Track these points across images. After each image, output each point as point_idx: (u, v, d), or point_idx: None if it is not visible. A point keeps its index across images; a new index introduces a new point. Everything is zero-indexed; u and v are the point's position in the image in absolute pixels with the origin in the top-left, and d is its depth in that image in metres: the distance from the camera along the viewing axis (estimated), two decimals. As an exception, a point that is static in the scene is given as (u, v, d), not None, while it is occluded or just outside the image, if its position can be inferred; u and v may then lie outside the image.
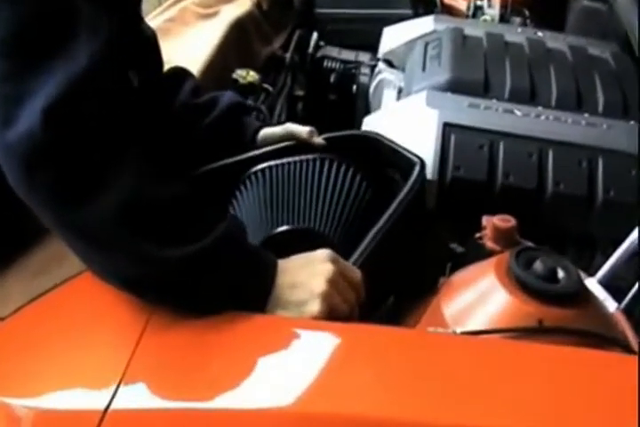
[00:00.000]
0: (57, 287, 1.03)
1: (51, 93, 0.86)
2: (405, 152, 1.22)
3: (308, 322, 0.97)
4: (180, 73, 1.37)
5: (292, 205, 1.17)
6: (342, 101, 1.90)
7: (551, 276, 1.02)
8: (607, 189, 1.37)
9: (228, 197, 1.22)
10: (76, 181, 0.88)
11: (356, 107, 1.82)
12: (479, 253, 1.23)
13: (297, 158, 1.23)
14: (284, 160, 1.24)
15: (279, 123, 1.48)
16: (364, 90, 1.80)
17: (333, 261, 1.01)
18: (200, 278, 0.94)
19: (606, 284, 1.21)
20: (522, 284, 1.01)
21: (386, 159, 1.26)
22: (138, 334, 0.94)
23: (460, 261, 1.23)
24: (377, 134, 1.28)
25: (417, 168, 1.18)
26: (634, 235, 1.22)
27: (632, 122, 1.48)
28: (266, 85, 1.67)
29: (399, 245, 1.14)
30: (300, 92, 1.91)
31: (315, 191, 1.18)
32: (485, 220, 1.25)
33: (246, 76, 1.57)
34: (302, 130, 1.29)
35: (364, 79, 1.82)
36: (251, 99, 1.58)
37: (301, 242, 1.09)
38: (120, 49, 0.95)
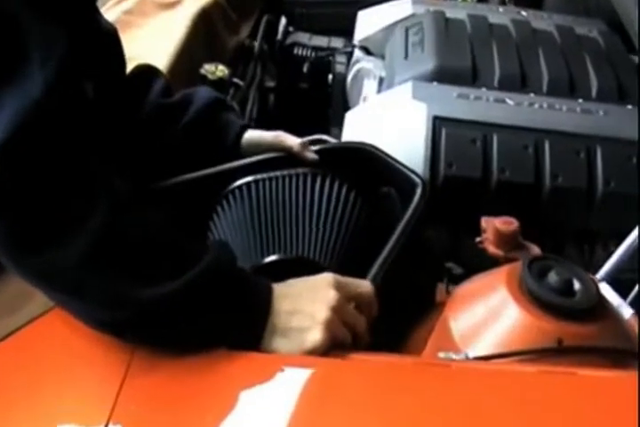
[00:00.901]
0: (26, 326, 0.93)
1: (1, 130, 0.75)
2: (405, 170, 1.13)
3: (298, 359, 0.88)
4: (148, 71, 1.25)
5: (280, 227, 1.07)
6: (316, 92, 1.80)
7: (567, 288, 0.94)
8: (607, 180, 1.30)
9: (207, 215, 1.11)
10: (37, 225, 0.78)
11: (332, 98, 1.71)
12: (481, 260, 1.15)
13: (285, 172, 1.13)
14: (271, 174, 1.13)
15: (258, 123, 1.38)
16: (340, 80, 1.70)
17: (337, 287, 0.92)
18: (184, 317, 0.85)
19: (611, 279, 1.14)
20: (536, 298, 0.93)
21: (381, 175, 1.16)
22: (121, 376, 0.85)
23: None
24: (372, 147, 1.18)
25: (419, 190, 1.08)
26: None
27: (629, 106, 1.39)
28: (236, 80, 1.56)
29: (402, 274, 1.05)
30: (271, 84, 1.80)
31: (306, 211, 1.08)
32: (485, 221, 1.17)
33: (215, 71, 1.47)
34: (294, 142, 1.18)
35: (340, 68, 1.72)
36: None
37: (293, 272, 1.00)
38: (77, 58, 0.84)
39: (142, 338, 0.86)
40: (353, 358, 0.89)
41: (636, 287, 1.12)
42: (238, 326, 0.88)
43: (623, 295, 1.10)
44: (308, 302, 0.90)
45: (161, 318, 0.84)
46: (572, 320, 0.91)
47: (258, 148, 1.20)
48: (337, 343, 0.90)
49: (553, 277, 0.94)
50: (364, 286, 0.96)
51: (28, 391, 0.87)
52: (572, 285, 0.94)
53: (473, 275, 1.19)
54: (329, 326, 0.89)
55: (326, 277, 0.93)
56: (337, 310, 0.90)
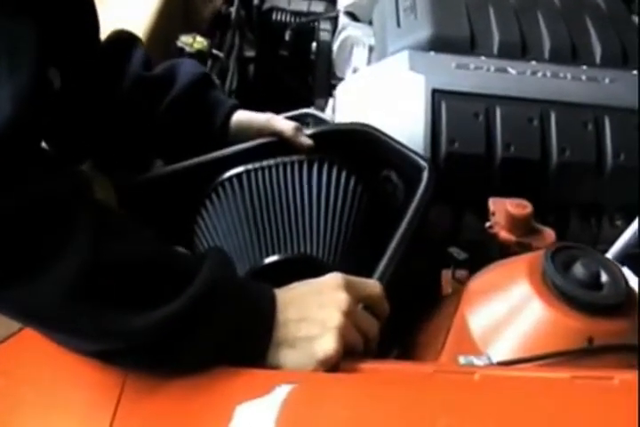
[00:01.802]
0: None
1: None
2: (409, 152, 1.04)
3: (302, 375, 0.80)
4: (126, 39, 1.13)
5: (277, 222, 0.99)
6: (298, 61, 1.69)
7: (595, 281, 0.86)
8: (617, 152, 1.22)
9: (195, 210, 1.02)
10: (14, 259, 0.69)
11: (316, 67, 1.61)
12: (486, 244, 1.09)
13: (279, 160, 1.03)
14: (264, 163, 1.04)
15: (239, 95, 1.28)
16: (325, 48, 1.60)
17: (347, 288, 0.84)
18: (180, 342, 0.76)
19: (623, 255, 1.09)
20: (562, 293, 0.85)
21: (382, 158, 1.07)
22: (115, 399, 0.76)
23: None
24: (372, 128, 1.09)
25: (426, 174, 0.99)
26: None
27: (634, 72, 1.31)
28: (215, 51, 1.46)
29: (413, 265, 0.97)
30: (250, 53, 1.70)
31: (305, 203, 0.99)
32: (493, 204, 1.09)
33: (193, 42, 1.37)
34: (287, 125, 1.08)
35: (324, 36, 1.61)
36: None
37: (296, 272, 0.91)
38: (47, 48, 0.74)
39: (136, 365, 0.78)
40: (366, 370, 0.81)
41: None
42: (240, 342, 0.80)
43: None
44: (315, 308, 0.82)
45: (155, 345, 0.75)
46: (601, 316, 0.84)
47: (247, 131, 1.11)
48: (349, 350, 0.82)
49: (579, 269, 0.87)
50: (373, 285, 0.89)
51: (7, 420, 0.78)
52: (599, 277, 0.87)
53: (477, 260, 1.13)
54: (341, 331, 0.81)
55: (334, 279, 0.85)
56: (348, 314, 0.82)
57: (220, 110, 1.12)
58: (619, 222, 1.26)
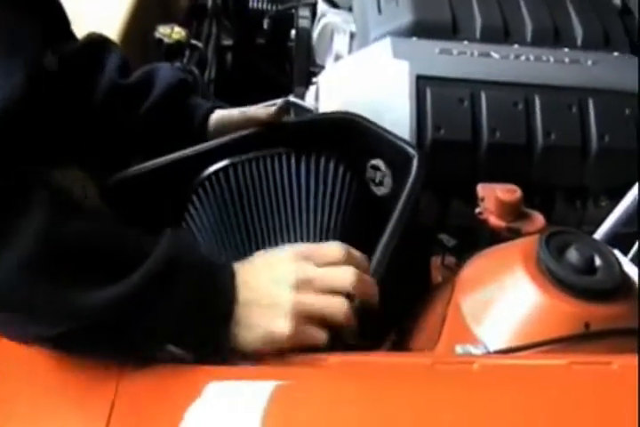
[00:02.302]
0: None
1: None
2: (397, 141, 1.02)
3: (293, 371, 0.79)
4: (100, 43, 1.11)
5: (267, 215, 0.97)
6: (277, 49, 1.68)
7: (589, 266, 0.86)
8: (601, 134, 1.22)
9: (180, 209, 1.00)
10: None
11: (296, 55, 1.59)
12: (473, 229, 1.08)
13: (266, 152, 1.02)
14: (250, 155, 1.02)
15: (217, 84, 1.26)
16: (304, 35, 1.58)
17: (303, 258, 0.82)
18: (137, 321, 0.76)
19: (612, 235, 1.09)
20: (557, 279, 0.85)
21: (370, 147, 1.06)
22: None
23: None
24: (358, 116, 1.07)
25: (415, 163, 0.98)
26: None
27: (615, 53, 1.31)
28: (194, 41, 1.44)
29: (407, 257, 0.96)
30: (227, 42, 1.68)
31: (294, 194, 0.98)
32: (482, 189, 1.08)
33: (171, 33, 1.35)
34: (265, 112, 1.07)
35: (303, 23, 1.59)
36: (179, 59, 1.34)
37: None
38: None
39: (93, 349, 0.78)
40: (363, 363, 0.80)
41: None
42: (199, 321, 0.79)
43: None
44: (268, 284, 0.80)
45: (111, 324, 0.74)
46: (597, 301, 0.84)
47: (226, 128, 1.09)
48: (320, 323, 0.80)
49: (573, 254, 0.87)
50: (332, 251, 0.84)
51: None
52: (593, 262, 0.87)
53: (466, 245, 1.13)
54: (295, 310, 0.79)
55: (287, 251, 0.83)
56: (302, 287, 0.80)
57: (197, 114, 1.11)
58: (604, 204, 1.26)
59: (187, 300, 0.78)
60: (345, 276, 0.82)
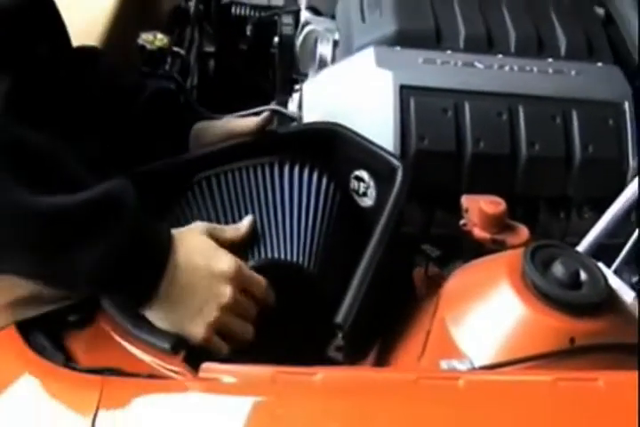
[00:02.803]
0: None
1: None
2: (382, 152, 1.02)
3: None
4: (92, 52, 1.12)
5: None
6: (260, 56, 1.66)
7: (574, 280, 0.86)
8: (585, 144, 1.22)
9: (166, 214, 0.99)
10: None
11: (279, 63, 1.58)
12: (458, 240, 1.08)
13: (249, 162, 1.01)
14: (234, 165, 1.01)
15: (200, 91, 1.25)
16: (287, 43, 1.57)
17: (236, 279, 0.88)
18: (68, 246, 0.79)
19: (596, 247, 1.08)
20: (542, 293, 0.85)
21: (354, 158, 1.05)
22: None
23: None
24: (343, 127, 1.07)
25: (400, 174, 0.98)
26: (628, 193, 1.09)
27: (599, 64, 1.31)
28: (177, 49, 1.42)
29: (391, 269, 0.95)
30: (210, 48, 1.66)
31: (277, 205, 0.97)
32: (466, 201, 1.08)
33: (154, 40, 1.33)
34: (248, 124, 1.06)
35: (287, 30, 1.58)
36: (161, 66, 1.33)
37: (274, 278, 0.89)
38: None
39: (22, 262, 0.80)
40: (348, 378, 0.79)
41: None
42: (131, 266, 0.83)
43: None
44: (202, 291, 0.87)
45: (45, 238, 0.78)
46: (582, 316, 0.84)
47: (208, 138, 1.09)
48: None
49: (558, 268, 0.87)
50: (259, 282, 0.91)
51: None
52: (578, 276, 0.86)
53: (450, 256, 1.13)
54: (216, 324, 0.87)
55: (226, 268, 0.88)
56: (228, 309, 0.88)
57: (179, 124, 1.12)
58: (587, 215, 1.26)
59: (118, 241, 0.81)
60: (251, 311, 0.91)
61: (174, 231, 0.88)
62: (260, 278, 0.91)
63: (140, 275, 0.85)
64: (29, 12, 0.87)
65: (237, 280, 0.88)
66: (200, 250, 0.88)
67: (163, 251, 0.86)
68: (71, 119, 0.96)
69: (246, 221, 0.95)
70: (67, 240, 0.79)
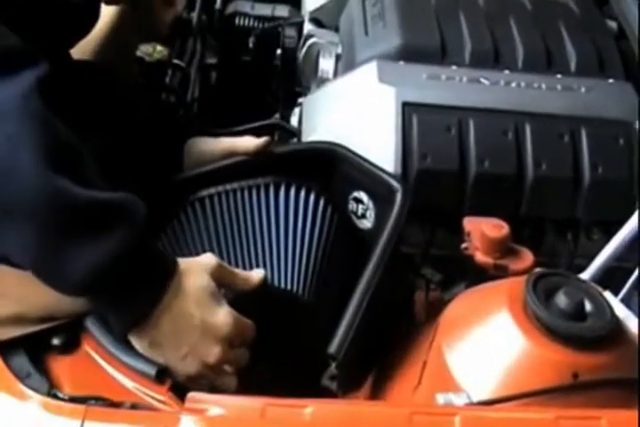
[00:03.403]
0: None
1: None
2: (381, 173, 0.99)
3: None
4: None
5: (244, 248, 0.93)
6: (262, 67, 1.63)
7: (579, 312, 0.82)
8: (594, 165, 1.18)
9: (158, 234, 0.96)
10: None
11: (282, 76, 1.55)
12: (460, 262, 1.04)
13: (244, 183, 0.98)
14: (228, 186, 0.98)
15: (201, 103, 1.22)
16: (290, 56, 1.53)
17: (228, 339, 0.85)
18: (79, 237, 0.79)
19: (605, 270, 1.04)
20: (545, 325, 0.81)
21: (352, 179, 1.02)
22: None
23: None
24: (342, 147, 1.04)
25: (399, 197, 0.94)
26: (636, 217, 1.04)
27: (610, 80, 1.27)
28: (176, 61, 1.39)
29: (389, 293, 0.92)
30: (212, 60, 1.63)
31: (272, 227, 0.94)
32: (468, 224, 1.04)
33: (153, 52, 1.31)
34: (248, 144, 1.03)
35: (289, 43, 1.55)
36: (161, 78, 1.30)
37: (267, 305, 0.86)
38: None
39: (18, 239, 0.78)
40: (340, 413, 0.76)
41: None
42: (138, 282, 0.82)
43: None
44: (190, 342, 0.84)
45: (90, 220, 0.79)
46: (586, 350, 0.81)
47: (207, 156, 1.06)
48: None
49: (561, 299, 0.83)
50: (249, 331, 0.89)
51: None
52: (583, 307, 0.82)
53: (451, 279, 1.09)
54: (197, 379, 0.85)
55: (223, 326, 0.85)
56: (213, 368, 0.86)
57: (174, 139, 1.10)
58: (596, 236, 1.22)
59: (122, 245, 0.80)
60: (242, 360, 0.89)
61: (181, 261, 0.86)
62: (250, 326, 0.89)
63: (137, 290, 0.82)
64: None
65: (229, 339, 0.85)
66: (198, 296, 0.85)
67: (166, 272, 0.84)
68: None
69: (259, 275, 0.91)
70: (74, 232, 0.78)
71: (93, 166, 0.83)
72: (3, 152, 0.77)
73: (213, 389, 0.85)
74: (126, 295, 0.82)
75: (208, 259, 0.87)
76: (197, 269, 0.86)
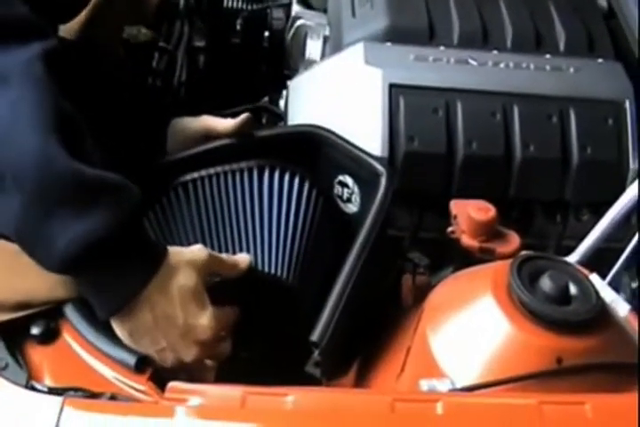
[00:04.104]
0: None
1: None
2: (366, 157, 0.97)
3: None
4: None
5: (227, 233, 0.92)
6: (251, 49, 1.62)
7: (563, 295, 0.81)
8: (583, 146, 1.16)
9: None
10: None
11: (271, 59, 1.54)
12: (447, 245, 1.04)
13: (227, 167, 0.97)
14: (212, 170, 0.97)
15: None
16: (278, 38, 1.52)
17: (207, 344, 0.85)
18: (86, 206, 0.78)
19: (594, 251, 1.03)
20: (529, 310, 0.80)
21: (337, 162, 1.00)
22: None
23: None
24: (327, 131, 1.02)
25: (384, 180, 0.93)
26: (628, 196, 1.02)
27: (599, 60, 1.25)
28: (162, 44, 1.38)
29: (374, 278, 0.91)
30: (200, 43, 1.61)
31: (256, 212, 0.93)
32: (455, 207, 1.03)
33: (137, 34, 1.28)
34: (224, 125, 1.02)
35: (277, 24, 1.54)
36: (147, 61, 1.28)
37: (251, 290, 0.85)
38: None
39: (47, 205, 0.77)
40: (320, 398, 0.75)
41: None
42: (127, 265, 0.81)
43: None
44: (170, 339, 0.84)
45: (78, 194, 0.78)
46: (570, 334, 0.79)
47: (187, 135, 1.05)
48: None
49: (546, 283, 0.82)
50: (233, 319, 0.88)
51: None
52: (568, 291, 0.82)
53: (440, 263, 1.08)
54: (171, 370, 0.84)
55: (198, 334, 0.84)
56: (190, 365, 0.85)
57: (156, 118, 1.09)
58: (585, 217, 1.21)
59: (113, 219, 0.79)
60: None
61: (172, 253, 0.84)
62: (232, 313, 0.88)
63: (121, 274, 0.81)
64: None
65: (209, 341, 0.85)
66: (183, 297, 0.83)
67: (155, 258, 0.83)
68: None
69: (245, 261, 0.90)
70: (60, 203, 0.77)
71: (91, 142, 0.82)
72: (5, 118, 0.77)
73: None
74: (110, 277, 0.80)
75: (198, 252, 0.86)
76: (186, 265, 0.84)
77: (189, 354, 0.84)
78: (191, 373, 0.86)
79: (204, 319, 0.83)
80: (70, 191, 0.77)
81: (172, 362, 0.84)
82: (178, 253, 0.85)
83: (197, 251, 0.86)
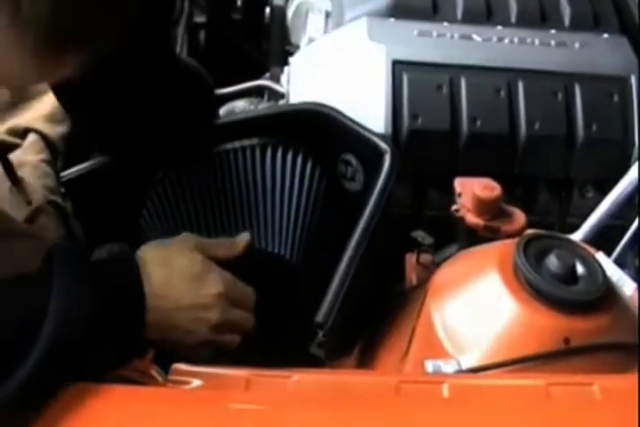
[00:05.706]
0: None
1: None
2: (369, 135, 0.96)
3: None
4: None
5: (230, 211, 0.91)
6: (252, 28, 1.60)
7: (570, 275, 0.80)
8: (588, 122, 1.15)
9: (145, 197, 0.94)
10: None
11: (271, 35, 1.52)
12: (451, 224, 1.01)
13: (230, 146, 0.96)
14: (214, 149, 0.96)
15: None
16: (279, 14, 1.50)
17: (224, 303, 0.84)
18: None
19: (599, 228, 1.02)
20: (535, 289, 0.79)
21: (341, 141, 0.99)
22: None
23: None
24: (330, 108, 1.01)
25: (387, 158, 0.92)
26: (633, 173, 1.02)
27: (605, 35, 1.23)
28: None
29: (378, 256, 0.90)
30: (200, 19, 1.60)
31: (259, 190, 0.92)
32: (459, 185, 1.02)
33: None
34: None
35: (278, 1, 1.52)
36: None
37: (255, 269, 0.84)
38: None
39: None
40: (324, 380, 0.74)
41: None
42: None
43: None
44: (187, 322, 0.83)
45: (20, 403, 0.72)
46: (578, 314, 0.78)
47: None
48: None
49: (553, 262, 0.81)
50: (248, 295, 0.88)
51: None
52: (574, 270, 0.80)
53: (443, 241, 1.07)
54: (205, 345, 0.85)
55: (211, 292, 0.83)
56: (218, 329, 0.85)
57: None
58: (590, 195, 1.20)
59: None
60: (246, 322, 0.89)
61: (161, 248, 0.83)
62: (250, 292, 0.88)
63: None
64: None
65: (225, 302, 0.85)
66: (184, 275, 0.83)
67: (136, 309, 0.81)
68: None
69: (243, 239, 0.89)
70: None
71: None
72: None
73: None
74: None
75: (186, 238, 0.86)
76: (179, 250, 0.83)
77: (209, 320, 0.84)
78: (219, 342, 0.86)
79: (211, 281, 0.84)
80: None
81: (202, 331, 0.84)
82: (165, 247, 0.84)
83: (184, 238, 0.86)
